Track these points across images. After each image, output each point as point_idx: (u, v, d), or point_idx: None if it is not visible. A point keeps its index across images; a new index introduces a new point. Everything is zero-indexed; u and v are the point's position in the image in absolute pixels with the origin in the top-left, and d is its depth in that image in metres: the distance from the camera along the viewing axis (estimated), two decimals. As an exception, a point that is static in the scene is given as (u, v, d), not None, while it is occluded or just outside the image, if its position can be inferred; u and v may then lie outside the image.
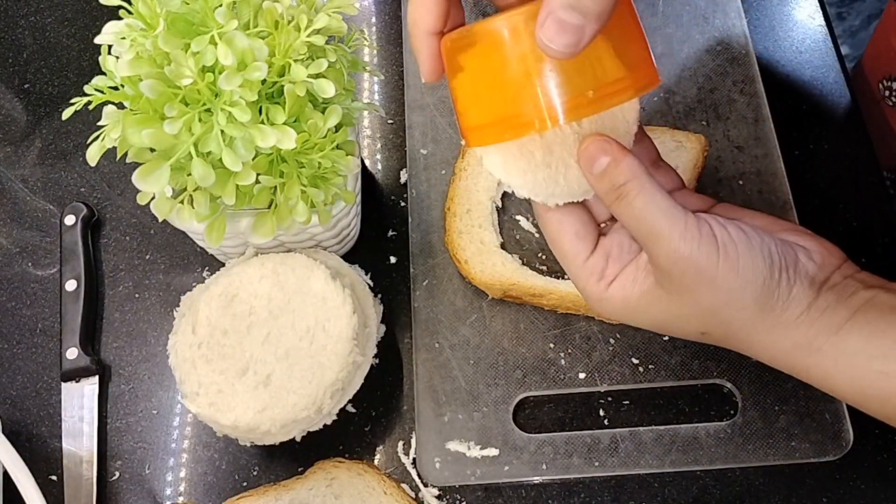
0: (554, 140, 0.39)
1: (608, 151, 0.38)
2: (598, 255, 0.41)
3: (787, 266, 0.38)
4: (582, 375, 0.53)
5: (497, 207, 0.58)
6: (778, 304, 0.38)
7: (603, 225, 0.43)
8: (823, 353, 0.38)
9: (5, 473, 0.49)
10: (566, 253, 0.41)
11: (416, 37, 0.39)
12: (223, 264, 0.55)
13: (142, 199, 0.46)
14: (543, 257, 0.57)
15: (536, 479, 0.51)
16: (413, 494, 0.51)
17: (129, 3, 0.45)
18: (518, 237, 0.57)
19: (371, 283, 0.57)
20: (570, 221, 0.41)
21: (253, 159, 0.44)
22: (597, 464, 0.50)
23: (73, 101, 0.45)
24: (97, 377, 0.55)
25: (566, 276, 0.54)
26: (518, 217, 0.58)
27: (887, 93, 0.65)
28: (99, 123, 0.45)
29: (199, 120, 0.43)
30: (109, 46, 0.46)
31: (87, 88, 0.46)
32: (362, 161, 0.60)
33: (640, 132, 0.41)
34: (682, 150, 0.57)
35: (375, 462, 0.53)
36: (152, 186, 0.44)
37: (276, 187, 0.47)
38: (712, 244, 0.37)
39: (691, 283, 0.37)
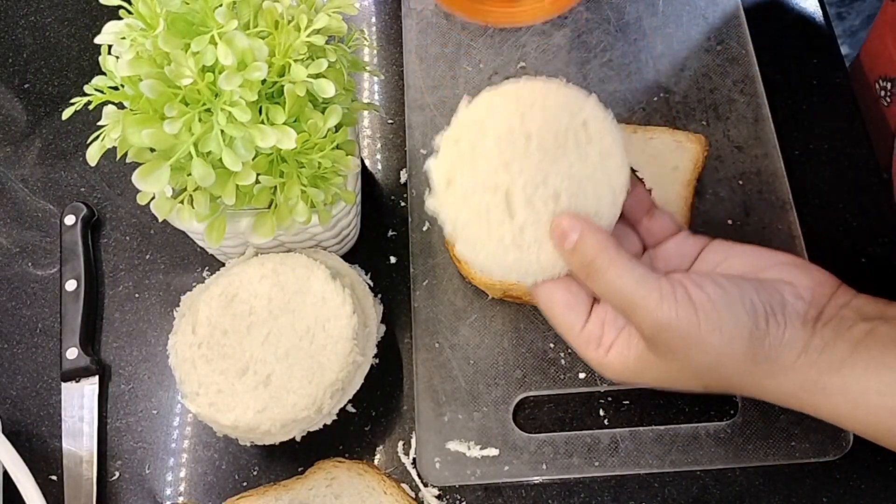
0: (527, 221, 0.39)
1: (575, 228, 0.39)
2: (593, 322, 0.41)
3: (773, 311, 0.38)
4: (582, 375, 0.53)
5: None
6: (772, 352, 0.37)
7: None
8: (830, 392, 0.37)
9: (5, 473, 0.49)
10: (560, 325, 0.42)
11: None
12: (223, 264, 0.55)
13: (142, 199, 0.46)
14: (543, 257, 0.57)
15: (536, 479, 0.51)
16: (413, 494, 0.51)
17: (129, 3, 0.45)
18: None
19: (371, 283, 0.57)
20: (560, 294, 0.41)
21: (253, 159, 0.44)
22: (597, 464, 0.50)
23: (73, 100, 0.45)
24: (97, 377, 0.55)
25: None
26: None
27: (883, 92, 0.65)
28: (99, 123, 0.45)
29: (199, 120, 0.43)
30: (109, 46, 0.46)
31: (87, 88, 0.46)
32: (362, 161, 0.60)
33: (634, 179, 0.42)
34: (682, 149, 0.57)
35: (375, 462, 0.53)
36: (152, 186, 0.44)
37: (276, 187, 0.47)
38: (689, 308, 0.37)
39: (678, 347, 0.37)
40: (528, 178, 0.39)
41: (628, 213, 0.43)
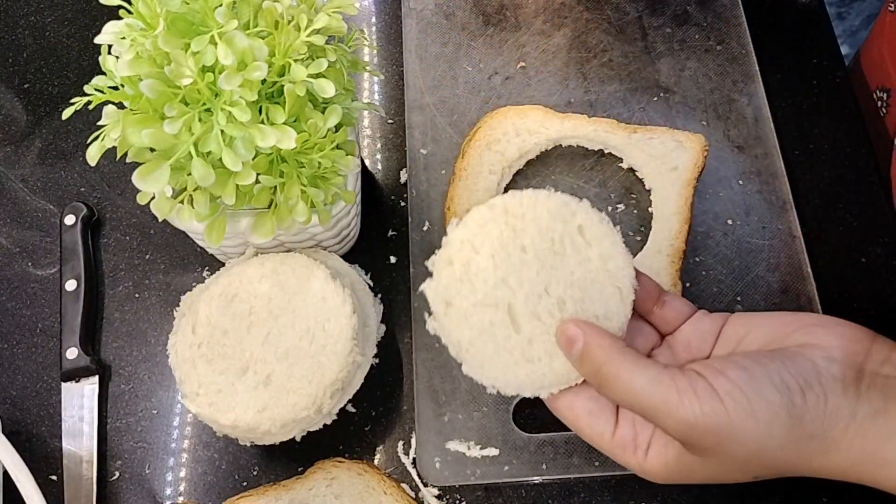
0: (534, 333, 0.39)
1: (579, 335, 0.37)
2: (623, 426, 0.39)
3: (808, 384, 0.35)
4: (582, 375, 0.53)
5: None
6: (816, 428, 0.34)
7: None
8: (892, 461, 0.34)
9: (5, 473, 0.49)
10: (590, 435, 0.40)
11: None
12: (223, 264, 0.55)
13: (142, 199, 0.46)
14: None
15: (536, 479, 0.51)
16: (413, 494, 0.51)
17: (129, 3, 0.45)
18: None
19: (371, 283, 0.57)
20: (580, 404, 0.39)
21: (253, 159, 0.44)
22: (597, 463, 0.50)
23: (73, 100, 0.45)
24: (97, 377, 0.55)
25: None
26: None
27: (880, 102, 0.65)
28: (99, 123, 0.45)
29: (199, 120, 0.43)
30: (109, 46, 0.46)
31: (87, 88, 0.46)
32: (362, 161, 0.60)
33: (638, 275, 0.41)
34: (682, 149, 0.57)
35: (375, 462, 0.53)
36: (152, 186, 0.43)
37: (276, 187, 0.47)
38: (714, 400, 0.34)
39: (712, 444, 0.35)
40: (529, 291, 0.39)
41: (639, 307, 0.42)
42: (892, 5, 0.65)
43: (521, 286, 0.39)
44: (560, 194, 0.41)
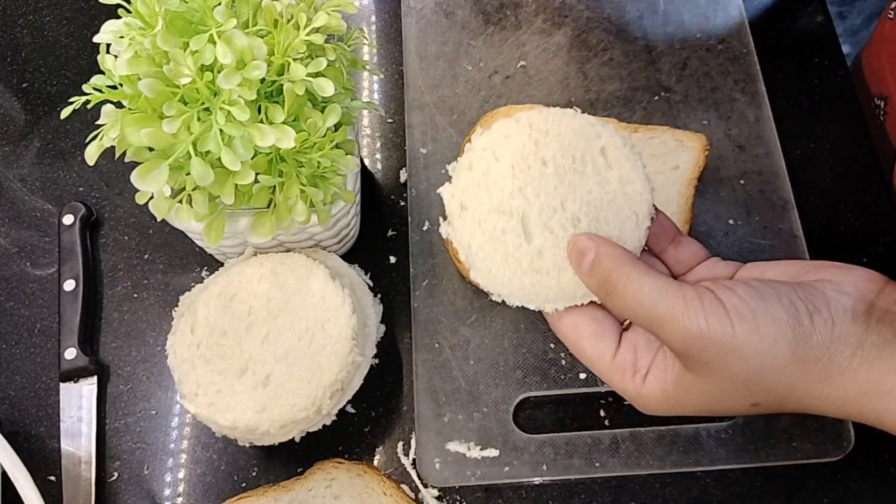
0: (545, 245, 0.39)
1: (591, 247, 0.37)
2: (624, 349, 0.39)
3: (816, 309, 0.34)
4: (582, 376, 0.53)
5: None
6: (822, 351, 0.34)
7: (626, 323, 0.41)
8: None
9: (4, 474, 0.49)
10: (590, 357, 0.39)
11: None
12: (222, 264, 0.55)
13: (140, 199, 0.46)
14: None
15: (537, 480, 0.50)
16: (413, 495, 0.51)
17: (128, 2, 0.44)
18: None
19: (371, 283, 0.57)
20: (584, 322, 0.39)
21: (252, 158, 0.44)
22: (597, 464, 0.50)
23: (71, 100, 0.45)
24: (95, 377, 0.55)
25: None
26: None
27: (878, 110, 0.65)
28: (97, 122, 0.45)
29: (198, 119, 0.43)
30: (108, 45, 0.46)
31: (85, 87, 0.46)
32: (362, 160, 0.60)
33: (656, 211, 0.41)
34: (683, 149, 0.57)
35: (375, 463, 0.52)
36: (151, 186, 0.43)
37: (275, 187, 0.46)
38: (720, 312, 0.34)
39: (715, 357, 0.34)
40: (545, 203, 0.39)
41: (653, 244, 0.42)
42: (892, 12, 0.65)
43: (537, 198, 0.39)
44: (586, 115, 0.41)
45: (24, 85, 0.68)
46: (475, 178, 0.40)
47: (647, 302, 0.35)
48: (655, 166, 0.57)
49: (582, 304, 0.40)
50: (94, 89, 0.45)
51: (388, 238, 0.59)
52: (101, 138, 0.44)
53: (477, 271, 0.40)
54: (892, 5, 0.65)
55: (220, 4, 0.43)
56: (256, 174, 0.45)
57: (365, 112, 0.64)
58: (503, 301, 0.40)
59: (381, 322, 0.54)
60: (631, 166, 0.40)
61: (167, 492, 0.52)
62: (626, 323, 0.41)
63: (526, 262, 0.39)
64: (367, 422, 0.53)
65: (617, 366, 0.39)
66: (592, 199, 0.39)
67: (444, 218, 0.42)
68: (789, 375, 0.34)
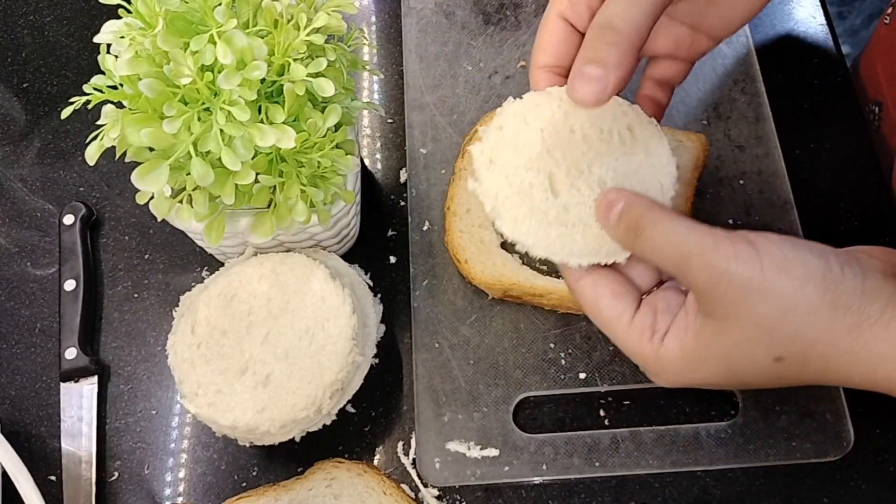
0: (571, 201, 0.39)
1: (621, 198, 0.37)
2: (644, 311, 0.38)
3: (847, 262, 0.33)
4: (582, 375, 0.53)
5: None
6: (853, 300, 0.32)
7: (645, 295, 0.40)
8: None
9: (4, 474, 0.49)
10: (608, 318, 0.38)
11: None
12: (222, 264, 0.55)
13: (141, 199, 0.46)
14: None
15: (537, 480, 0.51)
16: (413, 495, 0.51)
17: (129, 2, 0.44)
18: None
19: (371, 283, 0.57)
20: (605, 283, 0.39)
21: (252, 159, 0.44)
22: (597, 464, 0.50)
23: (72, 100, 0.45)
24: (96, 377, 0.55)
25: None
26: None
27: (872, 116, 0.65)
28: (98, 123, 0.45)
29: (199, 119, 0.43)
30: (108, 45, 0.46)
31: (86, 87, 0.46)
32: (362, 160, 0.60)
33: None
34: (683, 149, 0.57)
35: (375, 462, 0.52)
36: (151, 186, 0.43)
37: (275, 187, 0.47)
38: (750, 250, 0.33)
39: (740, 298, 0.33)
40: (572, 165, 0.39)
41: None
42: (888, 18, 0.65)
43: (564, 160, 0.40)
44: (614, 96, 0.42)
45: (24, 85, 0.68)
46: (505, 139, 0.41)
47: (675, 239, 0.34)
48: (655, 166, 0.57)
49: (604, 265, 0.40)
50: (95, 89, 0.45)
51: (388, 238, 0.59)
52: (102, 138, 0.44)
53: (502, 221, 0.40)
54: (889, 10, 0.65)
55: (220, 5, 0.44)
56: (257, 174, 0.45)
57: (365, 112, 0.64)
58: (526, 253, 0.40)
59: (381, 322, 0.54)
60: (657, 142, 0.41)
61: (167, 491, 0.52)
62: (645, 292, 0.40)
63: (552, 214, 0.39)
64: (367, 421, 0.54)
65: (635, 327, 0.37)
66: (619, 167, 0.40)
67: (472, 176, 0.42)
68: (817, 321, 0.33)
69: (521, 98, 0.42)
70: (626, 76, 0.36)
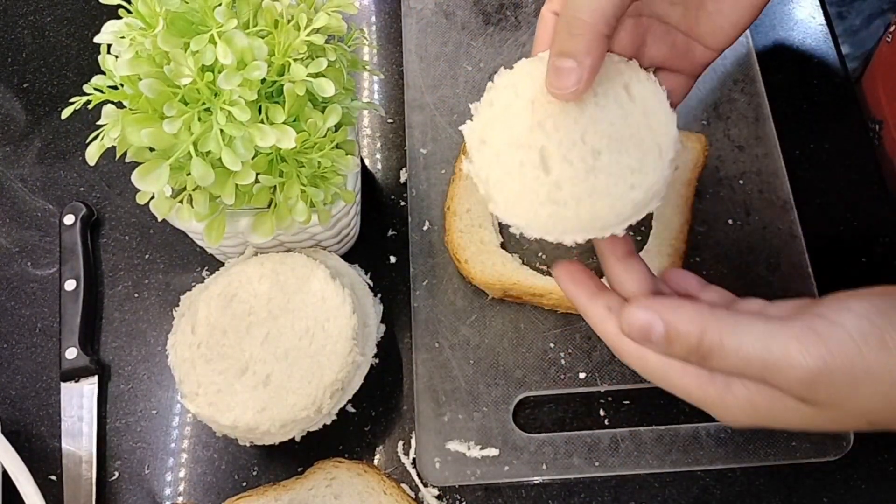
0: (563, 176, 0.38)
1: (654, 316, 0.33)
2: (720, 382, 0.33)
3: None
4: (582, 375, 0.53)
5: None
6: None
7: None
8: None
9: (5, 473, 0.49)
10: (686, 392, 0.34)
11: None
12: (223, 264, 0.55)
13: (141, 199, 0.46)
14: (543, 257, 0.57)
15: (537, 479, 0.51)
16: (413, 494, 0.51)
17: (129, 3, 0.45)
18: (518, 237, 0.57)
19: (371, 283, 0.57)
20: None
21: (252, 159, 0.44)
22: (597, 464, 0.50)
23: (72, 100, 0.45)
24: (96, 377, 0.55)
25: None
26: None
27: (872, 134, 0.65)
28: (98, 123, 0.45)
29: (199, 119, 0.43)
30: (109, 45, 0.46)
31: (86, 88, 0.46)
32: (362, 160, 0.60)
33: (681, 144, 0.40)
34: (683, 149, 0.57)
35: (375, 462, 0.52)
36: (151, 186, 0.43)
37: (275, 187, 0.47)
38: (841, 335, 0.30)
39: (843, 388, 0.30)
40: (564, 136, 0.38)
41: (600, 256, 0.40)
42: (890, 36, 0.65)
43: (556, 131, 0.39)
44: (609, 53, 0.40)
45: (24, 85, 0.68)
46: (495, 114, 0.40)
47: (755, 355, 0.31)
48: (655, 166, 0.57)
49: (601, 236, 0.38)
50: (95, 89, 0.45)
51: (388, 238, 0.59)
52: (102, 138, 0.45)
53: (495, 204, 0.39)
54: (892, 29, 0.65)
55: (220, 5, 0.44)
56: (257, 174, 0.45)
57: (365, 112, 0.64)
58: (521, 235, 0.39)
59: (381, 322, 0.54)
60: (656, 100, 0.39)
61: (168, 491, 0.53)
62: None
63: (543, 192, 0.38)
64: (367, 421, 0.54)
65: (687, 373, 0.34)
66: (614, 132, 0.38)
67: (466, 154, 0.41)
68: None
69: (510, 70, 0.41)
70: (596, 64, 0.36)
